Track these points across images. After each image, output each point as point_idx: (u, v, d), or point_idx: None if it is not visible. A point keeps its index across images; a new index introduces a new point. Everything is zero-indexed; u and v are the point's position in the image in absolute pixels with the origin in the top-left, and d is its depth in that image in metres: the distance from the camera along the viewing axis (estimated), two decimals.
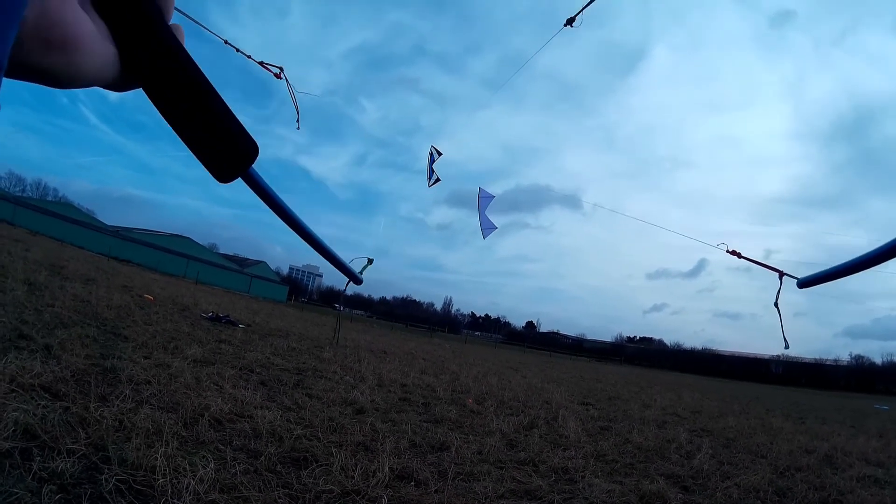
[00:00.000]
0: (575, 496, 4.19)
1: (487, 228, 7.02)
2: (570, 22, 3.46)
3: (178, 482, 2.87)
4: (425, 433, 5.46)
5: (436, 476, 4.10)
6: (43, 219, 51.27)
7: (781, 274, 2.94)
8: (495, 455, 5.08)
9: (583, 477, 4.72)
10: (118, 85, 0.54)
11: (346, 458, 3.96)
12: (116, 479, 2.76)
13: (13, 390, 3.66)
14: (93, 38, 0.48)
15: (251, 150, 0.60)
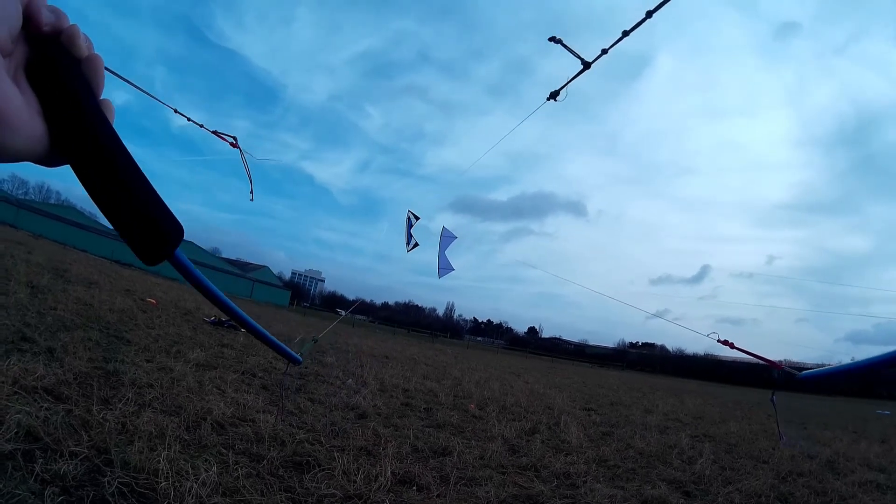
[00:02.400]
0: (577, 501, 4.18)
1: (444, 269, 7.04)
2: (553, 96, 3.49)
3: (181, 485, 2.87)
4: (427, 438, 5.46)
5: (438, 481, 4.10)
6: (46, 222, 51.40)
7: (780, 368, 2.90)
8: (497, 460, 5.08)
9: (585, 482, 4.71)
10: (46, 161, 0.52)
11: (348, 462, 3.96)
12: (119, 482, 2.77)
13: (16, 392, 3.66)
14: (21, 114, 0.47)
15: (176, 233, 0.59)
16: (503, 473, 4.67)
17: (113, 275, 22.61)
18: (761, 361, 3.48)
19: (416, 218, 8.71)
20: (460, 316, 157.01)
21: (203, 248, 77.47)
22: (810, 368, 0.87)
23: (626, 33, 2.68)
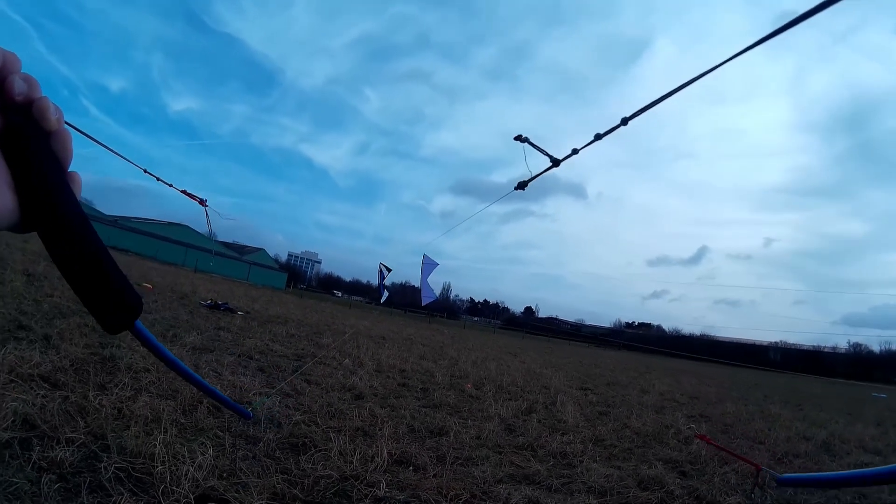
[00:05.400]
0: (573, 481, 4.21)
1: (427, 296, 7.01)
2: (521, 186, 3.52)
3: (177, 469, 2.88)
4: (424, 418, 5.49)
5: (434, 461, 4.13)
6: None
7: (758, 469, 2.90)
8: (494, 440, 5.11)
9: (581, 461, 4.75)
10: (14, 230, 0.53)
11: (344, 443, 3.97)
12: (115, 467, 2.77)
13: (12, 380, 3.66)
14: None
15: (135, 305, 0.62)
16: (500, 453, 4.71)
17: None
18: (743, 461, 3.46)
19: (388, 270, 8.73)
20: (457, 296, 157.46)
21: (199, 231, 77.12)
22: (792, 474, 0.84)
23: (598, 136, 2.68)
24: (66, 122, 0.57)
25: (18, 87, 0.49)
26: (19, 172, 0.51)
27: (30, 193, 0.51)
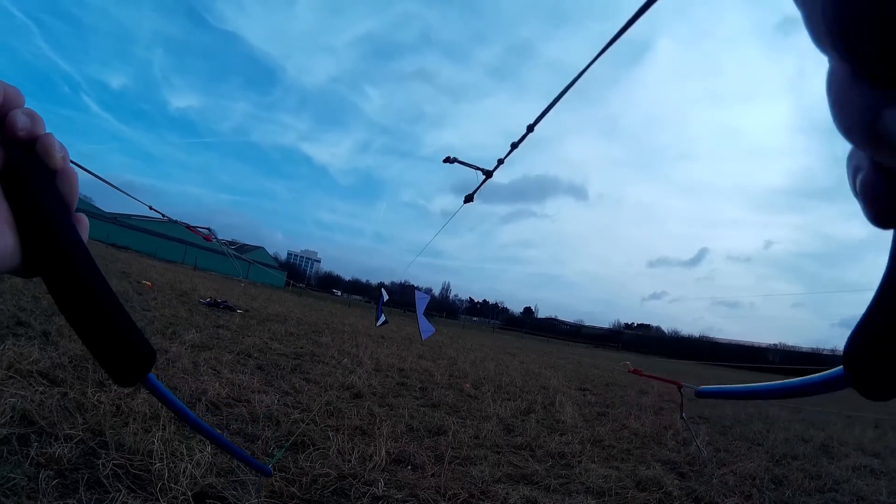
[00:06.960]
0: (571, 481, 4.21)
1: (426, 331, 6.99)
2: (468, 199, 3.65)
3: (175, 466, 2.88)
4: (422, 417, 5.49)
5: (433, 460, 4.13)
6: None
7: (679, 386, 3.14)
8: (492, 440, 5.11)
9: (579, 462, 4.75)
10: (17, 272, 0.49)
11: (343, 442, 3.98)
12: (114, 464, 2.77)
13: (11, 377, 3.66)
14: None
15: (148, 357, 0.57)
16: (498, 453, 4.71)
17: (109, 258, 22.57)
18: (664, 381, 3.75)
19: (388, 294, 8.74)
20: (456, 296, 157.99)
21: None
22: (711, 384, 0.83)
23: (514, 146, 2.75)
24: (72, 161, 0.53)
25: (21, 122, 0.46)
26: (21, 213, 0.47)
27: (32, 235, 0.47)
